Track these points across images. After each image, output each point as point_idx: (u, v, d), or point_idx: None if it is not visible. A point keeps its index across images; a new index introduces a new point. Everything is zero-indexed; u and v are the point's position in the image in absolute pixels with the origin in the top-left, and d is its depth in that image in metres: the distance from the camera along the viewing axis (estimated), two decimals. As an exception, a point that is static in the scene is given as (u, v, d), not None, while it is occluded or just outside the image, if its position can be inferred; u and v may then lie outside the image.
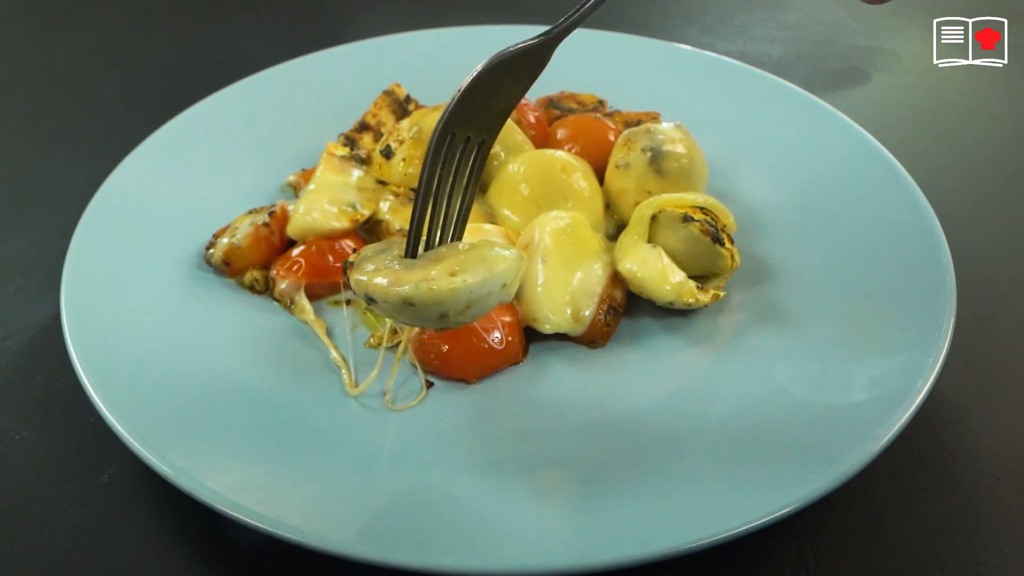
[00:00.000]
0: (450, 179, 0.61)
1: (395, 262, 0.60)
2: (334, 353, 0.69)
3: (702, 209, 0.74)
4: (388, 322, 0.73)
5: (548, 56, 0.62)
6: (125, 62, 1.21)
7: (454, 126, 0.60)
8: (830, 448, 0.57)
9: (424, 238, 0.61)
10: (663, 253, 0.71)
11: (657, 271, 0.70)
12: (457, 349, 0.66)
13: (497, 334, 0.67)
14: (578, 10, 0.62)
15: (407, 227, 0.77)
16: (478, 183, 0.63)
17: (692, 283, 0.70)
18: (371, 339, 0.71)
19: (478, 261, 0.58)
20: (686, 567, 0.56)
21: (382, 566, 0.51)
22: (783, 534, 0.59)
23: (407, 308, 0.57)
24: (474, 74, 0.59)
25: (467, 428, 0.63)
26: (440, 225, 0.62)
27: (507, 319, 0.68)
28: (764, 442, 0.59)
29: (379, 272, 0.58)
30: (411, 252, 0.60)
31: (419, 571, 0.51)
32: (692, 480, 0.57)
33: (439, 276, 0.57)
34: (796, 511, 0.53)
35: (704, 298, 0.70)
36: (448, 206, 0.61)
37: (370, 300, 0.58)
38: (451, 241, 0.62)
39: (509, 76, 0.60)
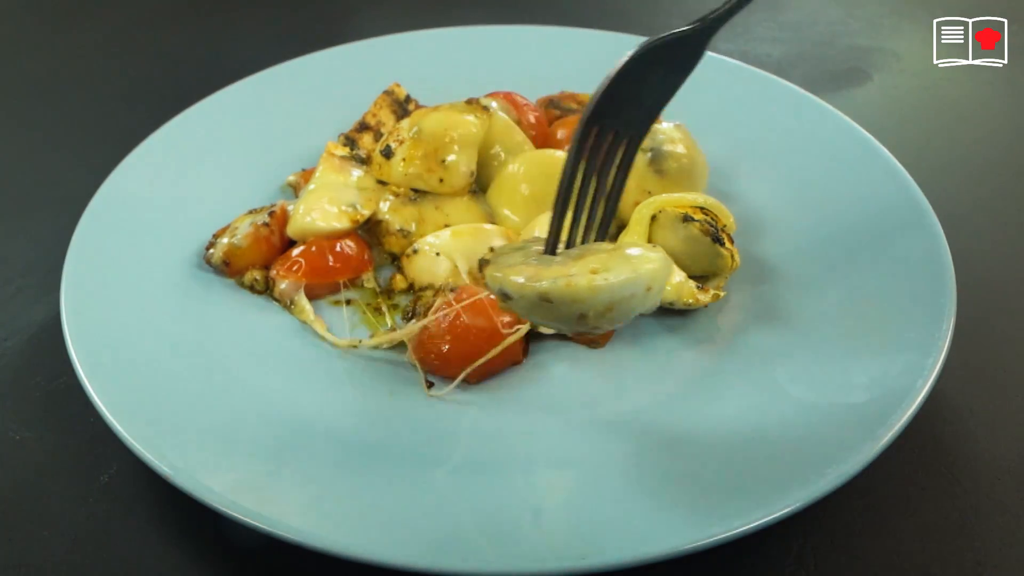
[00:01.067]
0: (595, 175, 0.58)
1: (533, 259, 0.56)
2: (327, 336, 0.69)
3: (702, 209, 0.74)
4: (388, 323, 0.73)
5: (703, 46, 0.58)
6: (125, 62, 1.20)
7: (600, 118, 0.56)
8: (830, 448, 0.57)
9: (565, 237, 0.58)
10: None
11: None
12: (457, 349, 0.66)
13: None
14: None
15: (407, 227, 0.78)
16: (626, 180, 0.60)
17: (692, 283, 0.70)
18: (376, 336, 0.71)
19: (622, 261, 0.55)
20: (686, 567, 0.56)
21: (382, 566, 0.51)
22: (783, 534, 0.59)
23: (543, 305, 0.53)
24: (621, 62, 0.55)
25: (467, 428, 0.63)
26: (583, 223, 0.59)
27: (507, 319, 0.68)
28: (764, 442, 0.59)
29: (516, 268, 0.55)
30: (550, 249, 0.57)
31: (419, 571, 0.51)
32: (692, 480, 0.57)
33: (580, 273, 0.54)
34: (796, 511, 0.53)
35: (704, 298, 0.70)
36: (593, 204, 0.58)
37: (505, 296, 0.55)
38: (595, 241, 0.60)
39: (660, 66, 0.57)
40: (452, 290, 0.70)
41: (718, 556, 0.57)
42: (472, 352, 0.66)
